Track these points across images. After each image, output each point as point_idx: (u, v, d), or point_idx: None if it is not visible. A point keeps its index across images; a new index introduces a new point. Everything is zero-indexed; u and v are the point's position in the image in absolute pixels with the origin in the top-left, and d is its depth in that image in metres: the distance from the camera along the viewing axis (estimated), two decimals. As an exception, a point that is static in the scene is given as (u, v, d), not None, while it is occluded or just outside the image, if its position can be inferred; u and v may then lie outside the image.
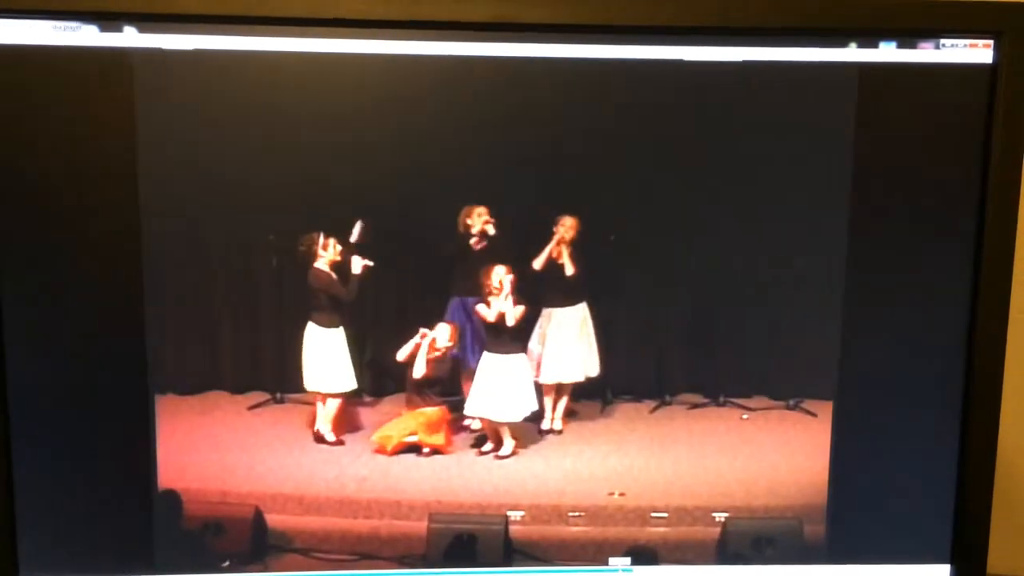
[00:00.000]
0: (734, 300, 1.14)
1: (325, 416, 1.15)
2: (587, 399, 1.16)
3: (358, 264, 1.11)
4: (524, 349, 1.17)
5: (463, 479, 1.17)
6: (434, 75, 1.07)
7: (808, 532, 1.19)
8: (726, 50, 1.08)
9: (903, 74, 1.09)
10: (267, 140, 1.08)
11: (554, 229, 1.11)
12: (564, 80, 1.08)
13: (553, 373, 1.17)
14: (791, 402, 1.17)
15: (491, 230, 1.11)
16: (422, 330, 1.14)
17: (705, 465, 1.18)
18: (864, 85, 1.09)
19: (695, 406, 1.17)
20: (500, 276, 1.13)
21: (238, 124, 1.07)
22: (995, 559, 1.19)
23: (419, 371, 1.15)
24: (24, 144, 1.06)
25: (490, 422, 1.18)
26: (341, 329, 1.13)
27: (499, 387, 1.17)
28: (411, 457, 1.17)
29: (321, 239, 1.10)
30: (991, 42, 1.08)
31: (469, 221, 1.10)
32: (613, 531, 1.18)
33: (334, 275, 1.12)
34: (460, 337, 1.15)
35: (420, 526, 1.17)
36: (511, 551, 1.18)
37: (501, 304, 1.14)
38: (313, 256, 1.11)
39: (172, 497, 1.14)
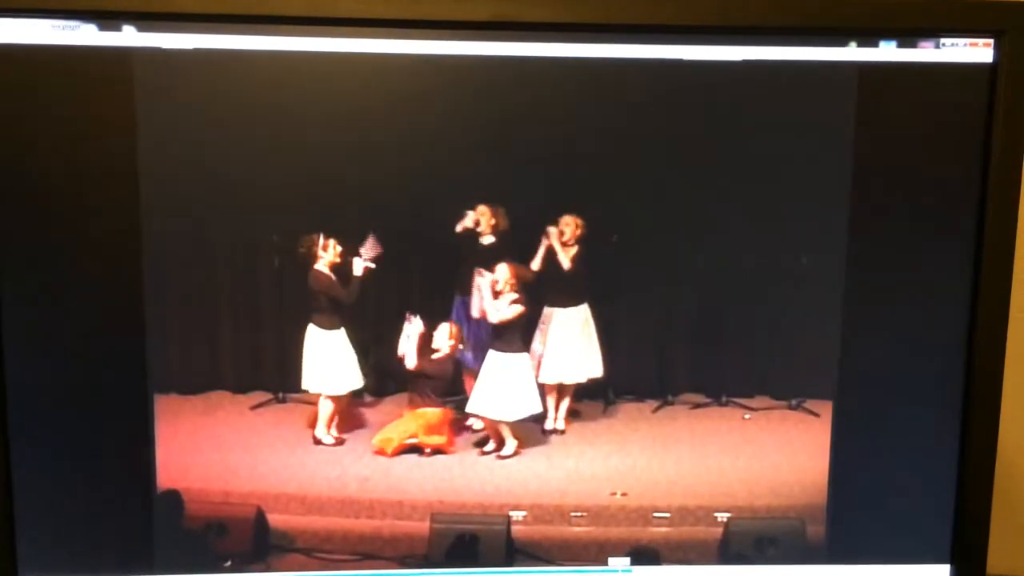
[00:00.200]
0: (736, 300, 1.14)
1: (325, 418, 1.15)
2: (589, 399, 1.16)
3: (359, 266, 1.11)
4: (527, 348, 1.16)
5: (465, 479, 1.17)
6: (435, 74, 1.07)
7: (810, 532, 1.19)
8: (726, 49, 1.08)
9: (903, 73, 1.10)
10: (267, 139, 1.08)
11: (546, 230, 1.11)
12: (563, 79, 1.08)
13: (554, 373, 1.17)
14: (793, 402, 1.16)
15: (490, 230, 1.11)
16: (407, 315, 1.13)
17: (707, 465, 1.17)
18: (864, 84, 1.09)
19: (697, 406, 1.16)
20: (503, 275, 1.13)
21: (238, 123, 1.07)
22: (995, 559, 1.19)
23: (411, 363, 1.14)
24: (24, 144, 1.06)
25: (492, 422, 1.17)
26: (342, 330, 1.13)
27: (502, 386, 1.17)
28: (413, 457, 1.16)
29: (321, 240, 1.10)
30: (991, 41, 1.08)
31: (471, 220, 1.10)
32: (615, 531, 1.18)
33: (334, 277, 1.11)
34: (463, 337, 1.15)
35: (422, 526, 1.17)
36: (513, 551, 1.18)
37: (501, 303, 1.14)
38: (313, 257, 1.10)
39: (174, 497, 1.14)
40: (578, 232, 1.11)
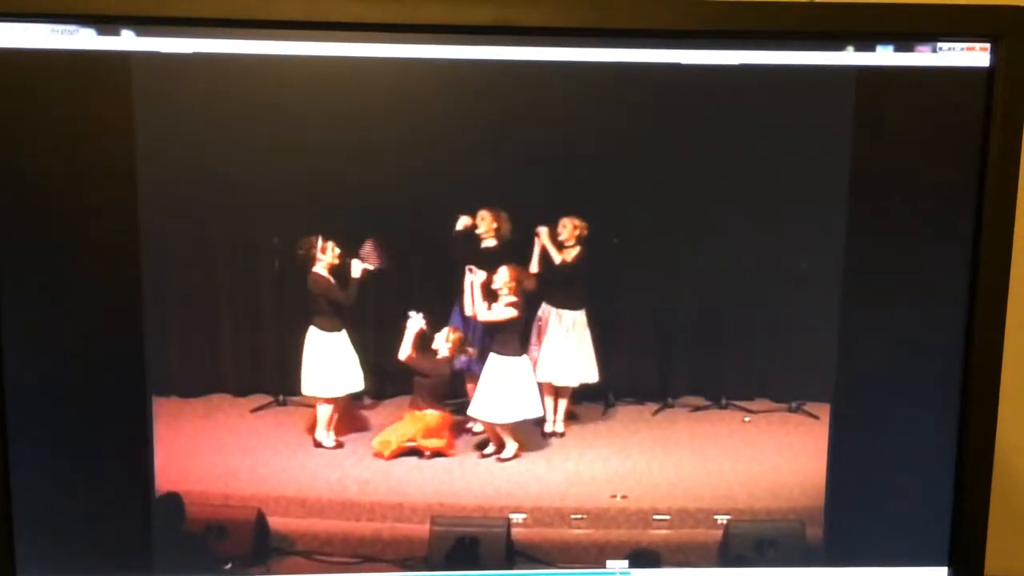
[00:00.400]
0: (735, 302, 1.14)
1: (325, 420, 1.15)
2: (589, 402, 1.16)
3: (358, 268, 1.11)
4: (527, 352, 1.17)
5: (465, 482, 1.17)
6: (434, 78, 1.07)
7: (810, 535, 1.19)
8: (724, 53, 1.08)
9: (900, 77, 1.10)
10: (266, 143, 1.08)
11: (536, 231, 1.12)
12: (563, 83, 1.08)
13: (547, 373, 1.17)
14: (793, 404, 1.17)
15: (492, 234, 1.11)
16: (409, 313, 1.13)
17: (707, 468, 1.18)
18: (862, 88, 1.10)
19: (697, 409, 1.17)
20: (502, 278, 1.13)
21: (236, 127, 1.07)
22: (993, 561, 1.19)
23: (403, 354, 1.14)
24: (23, 147, 1.06)
25: (492, 425, 1.17)
26: (343, 333, 1.13)
27: (502, 389, 1.17)
28: (413, 460, 1.16)
29: (319, 242, 1.10)
30: (988, 45, 1.09)
31: (471, 224, 1.10)
32: (615, 533, 1.18)
33: (332, 279, 1.11)
34: (465, 343, 1.15)
35: (422, 529, 1.17)
36: (513, 554, 1.18)
37: (497, 305, 1.14)
38: (312, 260, 1.10)
39: (174, 499, 1.14)
40: (577, 234, 1.11)
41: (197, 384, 1.13)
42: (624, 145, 1.10)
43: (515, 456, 1.17)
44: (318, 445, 1.15)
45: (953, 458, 1.16)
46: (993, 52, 1.09)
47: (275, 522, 1.16)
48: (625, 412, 1.16)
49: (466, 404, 1.17)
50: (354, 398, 1.15)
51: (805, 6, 1.09)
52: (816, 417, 1.16)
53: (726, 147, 1.10)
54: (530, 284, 1.13)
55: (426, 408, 1.16)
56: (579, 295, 1.14)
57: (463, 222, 1.10)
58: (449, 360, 1.15)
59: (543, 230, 1.11)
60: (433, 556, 1.17)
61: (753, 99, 1.10)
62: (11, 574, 1.13)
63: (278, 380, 1.13)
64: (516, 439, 1.17)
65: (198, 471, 1.15)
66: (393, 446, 1.16)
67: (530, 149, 1.10)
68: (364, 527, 1.16)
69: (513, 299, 1.13)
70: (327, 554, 1.17)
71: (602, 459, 1.17)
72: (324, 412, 1.15)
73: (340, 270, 1.11)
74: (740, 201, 1.12)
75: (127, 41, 1.05)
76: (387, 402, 1.16)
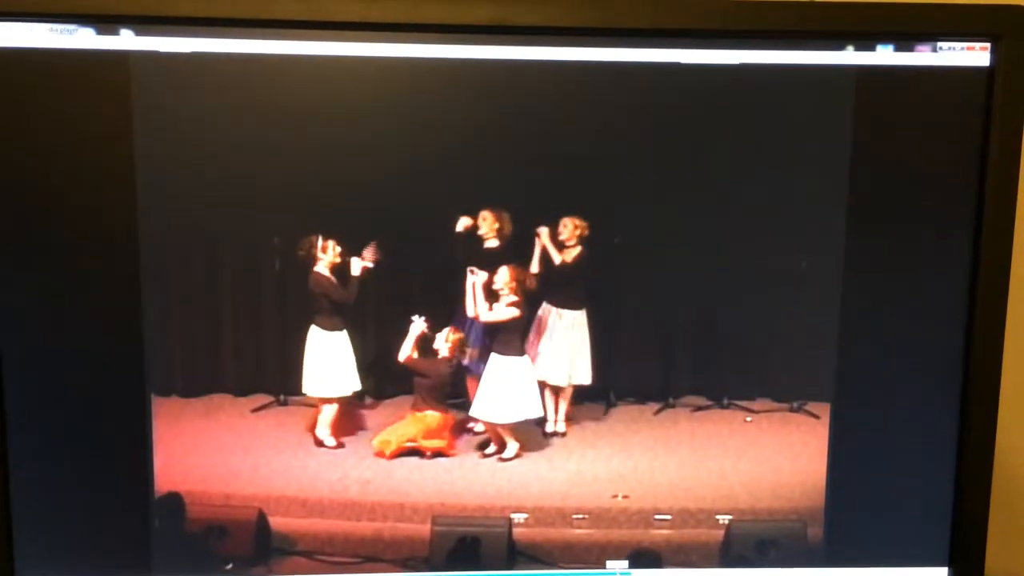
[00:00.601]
0: (736, 302, 1.14)
1: (326, 420, 1.15)
2: (590, 401, 1.16)
3: (358, 266, 1.11)
4: (527, 352, 1.17)
5: (466, 482, 1.16)
6: (433, 78, 1.07)
7: (811, 535, 1.19)
8: (724, 53, 1.08)
9: (900, 77, 1.10)
10: (265, 142, 1.08)
11: (536, 231, 1.12)
12: (562, 83, 1.08)
13: (546, 374, 1.17)
14: (795, 404, 1.17)
15: (494, 234, 1.11)
16: (412, 317, 1.13)
17: (709, 467, 1.17)
18: (861, 88, 1.10)
19: (699, 408, 1.17)
20: (502, 278, 1.13)
21: (236, 127, 1.07)
22: (993, 562, 1.19)
23: (403, 355, 1.14)
24: (22, 147, 1.06)
25: (493, 425, 1.17)
26: (344, 332, 1.13)
27: (503, 389, 1.17)
28: (414, 460, 1.16)
29: (320, 241, 1.10)
30: (988, 45, 1.09)
31: (472, 224, 1.10)
32: (617, 534, 1.18)
33: (333, 278, 1.11)
34: (466, 341, 1.15)
35: (424, 529, 1.16)
36: (515, 554, 1.18)
37: (499, 305, 1.14)
38: (313, 259, 1.10)
39: (175, 500, 1.14)
40: (579, 234, 1.11)
41: (198, 384, 1.13)
42: (624, 145, 1.10)
43: (516, 456, 1.17)
44: (319, 445, 1.15)
45: (953, 458, 1.16)
46: (993, 52, 1.09)
47: (276, 522, 1.16)
48: (626, 412, 1.16)
49: (467, 404, 1.17)
50: (355, 398, 1.15)
51: (805, 6, 1.09)
52: (817, 417, 1.16)
53: (726, 146, 1.10)
54: (531, 284, 1.13)
55: (427, 409, 1.16)
56: (580, 295, 1.14)
57: (464, 222, 1.10)
58: (449, 360, 1.15)
59: (544, 230, 1.11)
60: (434, 556, 1.17)
61: (753, 99, 1.10)
62: (11, 574, 1.13)
63: (279, 380, 1.13)
64: (517, 439, 1.17)
65: (199, 471, 1.14)
66: (393, 446, 1.16)
67: (530, 148, 1.10)
68: (365, 527, 1.16)
69: (514, 299, 1.13)
70: (328, 554, 1.16)
71: (604, 459, 1.17)
72: (325, 412, 1.15)
73: (341, 269, 1.11)
74: (740, 200, 1.12)
75: (126, 40, 1.05)
76: (388, 402, 1.16)
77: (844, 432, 1.17)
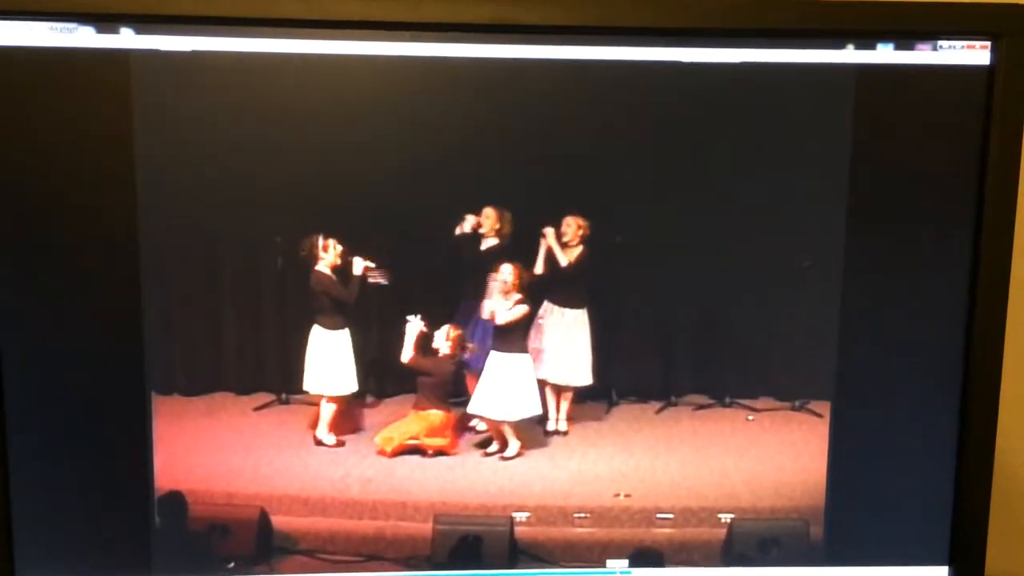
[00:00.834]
0: (737, 301, 1.14)
1: (328, 419, 1.15)
2: (592, 400, 1.16)
3: (359, 265, 1.11)
4: (528, 349, 1.16)
5: (468, 480, 1.16)
6: (433, 77, 1.07)
7: (813, 533, 1.19)
8: (725, 52, 1.08)
9: (901, 76, 1.10)
10: (265, 142, 1.08)
11: (543, 231, 1.12)
12: (563, 82, 1.08)
13: (547, 372, 1.17)
14: (797, 403, 1.17)
15: (495, 233, 1.11)
16: (408, 317, 1.13)
17: (711, 466, 1.18)
18: (862, 87, 1.10)
19: (701, 407, 1.17)
20: (507, 276, 1.13)
21: (236, 125, 1.07)
22: (993, 561, 1.19)
23: (405, 357, 1.14)
24: (22, 146, 1.05)
25: (495, 423, 1.17)
26: (346, 331, 1.13)
27: (504, 387, 1.17)
28: (416, 458, 1.16)
29: (321, 241, 1.10)
30: (988, 43, 1.09)
31: (474, 222, 1.10)
32: (618, 532, 1.18)
33: (335, 277, 1.11)
34: (465, 340, 1.15)
35: (425, 527, 1.16)
36: (516, 552, 1.18)
37: (506, 304, 1.14)
38: (314, 259, 1.10)
39: (176, 499, 1.14)
40: (580, 233, 1.11)
41: (199, 383, 1.13)
42: (625, 143, 1.10)
43: (518, 455, 1.17)
44: (320, 443, 1.15)
45: (953, 458, 1.17)
46: (993, 50, 1.09)
47: (278, 521, 1.16)
48: (628, 411, 1.16)
49: (468, 402, 1.17)
50: (357, 396, 1.15)
51: (806, 4, 1.09)
52: (819, 415, 1.16)
53: (727, 145, 1.11)
54: (535, 282, 1.13)
55: (430, 408, 1.16)
56: (582, 294, 1.14)
57: (467, 221, 1.10)
58: (451, 358, 1.15)
59: (549, 231, 1.11)
60: (436, 555, 1.17)
61: (753, 98, 1.10)
62: (11, 574, 1.13)
63: (280, 378, 1.13)
64: (519, 438, 1.17)
65: (201, 470, 1.14)
66: (395, 443, 1.16)
67: (532, 147, 1.10)
68: (367, 526, 1.16)
69: (519, 296, 1.13)
70: (330, 553, 1.16)
71: (605, 458, 1.17)
72: (327, 410, 1.15)
73: (343, 268, 1.11)
74: (741, 199, 1.12)
75: (126, 39, 1.05)
76: (390, 400, 1.16)
77: (844, 431, 1.17)
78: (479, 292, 1.13)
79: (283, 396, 1.13)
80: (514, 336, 1.16)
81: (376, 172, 1.09)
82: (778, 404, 1.17)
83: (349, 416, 1.16)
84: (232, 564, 1.16)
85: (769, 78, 1.09)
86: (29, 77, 1.04)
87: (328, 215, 1.10)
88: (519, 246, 1.12)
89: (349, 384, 1.15)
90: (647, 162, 1.10)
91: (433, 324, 1.13)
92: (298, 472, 1.15)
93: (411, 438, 1.16)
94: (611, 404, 1.16)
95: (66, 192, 1.06)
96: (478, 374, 1.17)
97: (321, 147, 1.08)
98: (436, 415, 1.16)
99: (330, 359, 1.13)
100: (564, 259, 1.12)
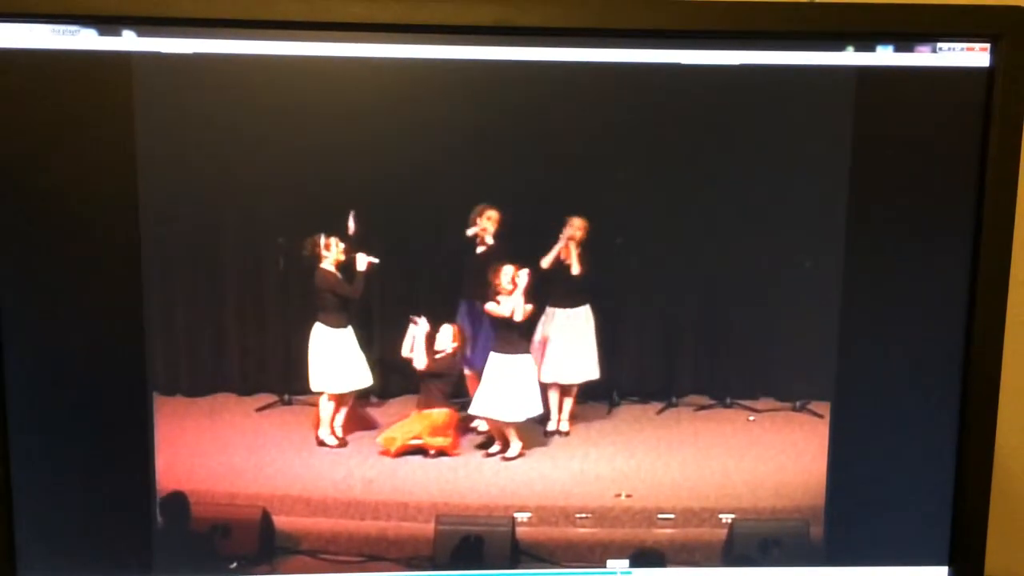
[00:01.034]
0: (739, 301, 1.14)
1: (330, 419, 1.15)
2: (594, 400, 1.16)
3: (363, 261, 1.11)
4: (530, 350, 1.16)
5: (470, 481, 1.16)
6: (435, 79, 1.07)
7: (814, 534, 1.19)
8: (725, 54, 1.08)
9: (901, 77, 1.10)
10: (267, 143, 1.08)
11: (564, 228, 1.11)
12: (565, 84, 1.08)
13: (552, 373, 1.17)
14: (798, 404, 1.17)
15: (494, 232, 1.11)
16: (412, 317, 1.13)
17: (712, 467, 1.18)
18: (862, 88, 1.10)
19: (702, 408, 1.17)
20: (511, 276, 1.13)
21: (238, 127, 1.07)
22: (993, 561, 1.19)
23: (420, 363, 1.14)
24: (24, 148, 1.06)
25: (496, 423, 1.17)
26: (349, 329, 1.13)
27: (505, 388, 1.17)
28: (418, 459, 1.16)
29: (323, 240, 1.10)
30: (988, 45, 1.09)
31: (478, 223, 1.11)
32: (620, 532, 1.18)
33: (339, 274, 1.11)
34: (468, 339, 1.15)
35: (427, 528, 1.16)
36: (518, 553, 1.18)
37: (510, 304, 1.14)
38: (318, 257, 1.11)
39: (178, 499, 1.14)
40: (580, 235, 1.11)
41: (202, 383, 1.13)
42: (625, 145, 1.10)
43: (520, 455, 1.17)
44: (323, 444, 1.15)
45: (953, 458, 1.17)
46: (993, 52, 1.09)
47: (280, 521, 1.16)
48: (629, 411, 1.16)
49: (469, 402, 1.17)
50: (360, 395, 1.15)
51: (805, 6, 1.09)
52: (820, 416, 1.16)
53: (727, 147, 1.11)
54: (535, 283, 1.13)
55: (432, 407, 1.16)
56: (583, 294, 1.14)
57: (469, 221, 1.10)
58: (455, 356, 1.15)
59: (568, 231, 1.11)
60: (438, 555, 1.17)
61: (753, 99, 1.10)
62: (11, 574, 1.13)
63: (283, 379, 1.13)
64: (521, 438, 1.17)
65: (203, 470, 1.14)
66: (398, 443, 1.16)
67: (533, 149, 1.10)
68: (369, 526, 1.16)
69: (519, 297, 1.13)
70: (332, 553, 1.16)
71: (607, 458, 1.17)
72: (330, 410, 1.15)
73: (346, 266, 1.11)
74: (741, 201, 1.12)
75: (128, 41, 1.05)
76: (393, 400, 1.16)
77: (845, 432, 1.17)
78: (479, 292, 1.13)
79: (285, 397, 1.14)
80: (515, 337, 1.16)
81: (378, 174, 1.09)
82: (779, 405, 1.17)
83: (353, 416, 1.16)
84: (234, 564, 1.16)
85: (769, 80, 1.09)
86: (31, 79, 1.04)
87: (331, 215, 1.10)
88: (522, 247, 1.12)
89: (353, 381, 1.15)
90: (648, 164, 1.11)
91: (436, 324, 1.14)
92: (300, 472, 1.15)
93: (414, 437, 1.16)
94: (613, 405, 1.16)
95: (68, 194, 1.06)
96: (479, 375, 1.17)
97: (323, 149, 1.08)
98: (439, 414, 1.16)
99: (334, 357, 1.13)
100: (577, 267, 1.12)
